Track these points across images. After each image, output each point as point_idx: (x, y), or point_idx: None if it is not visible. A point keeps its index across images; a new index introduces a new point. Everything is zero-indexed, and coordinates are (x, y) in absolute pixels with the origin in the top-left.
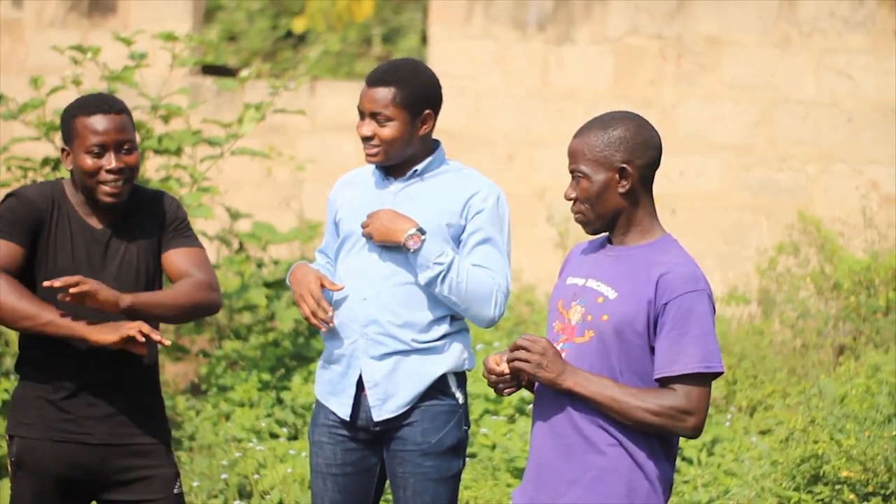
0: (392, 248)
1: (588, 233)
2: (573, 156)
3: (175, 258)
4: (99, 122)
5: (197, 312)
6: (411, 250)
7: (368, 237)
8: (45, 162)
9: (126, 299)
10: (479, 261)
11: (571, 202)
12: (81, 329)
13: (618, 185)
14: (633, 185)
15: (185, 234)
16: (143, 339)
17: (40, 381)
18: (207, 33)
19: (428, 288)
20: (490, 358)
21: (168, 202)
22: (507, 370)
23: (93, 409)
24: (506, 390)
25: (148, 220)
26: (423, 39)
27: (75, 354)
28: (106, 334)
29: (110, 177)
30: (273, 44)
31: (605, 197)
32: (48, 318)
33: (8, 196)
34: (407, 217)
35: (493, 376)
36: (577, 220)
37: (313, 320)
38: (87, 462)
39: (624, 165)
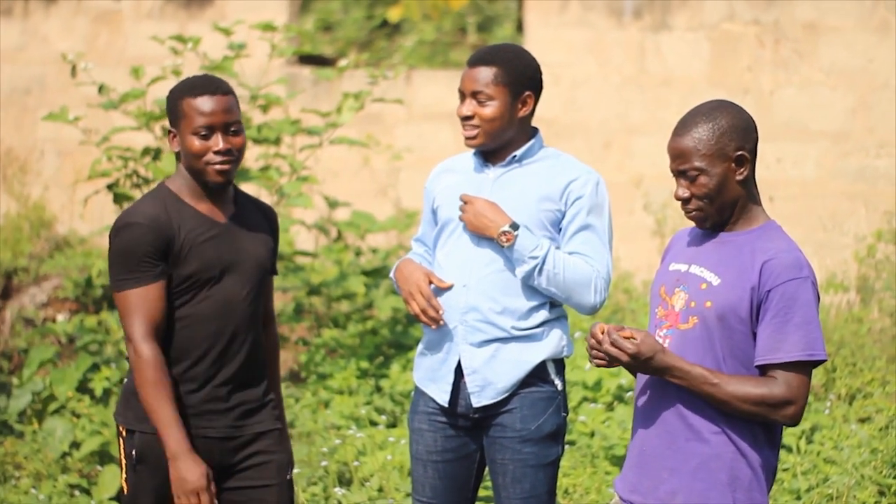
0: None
1: (705, 228)
2: (684, 155)
3: (271, 286)
4: (206, 103)
5: None
6: (504, 247)
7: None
8: (146, 152)
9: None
10: (579, 248)
11: (683, 202)
12: (170, 452)
13: (735, 173)
14: (750, 170)
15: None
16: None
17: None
18: (303, 23)
19: (526, 281)
20: (596, 326)
21: (276, 217)
22: (607, 348)
23: (213, 404)
24: (597, 362)
25: (263, 221)
26: (519, 28)
27: (207, 353)
28: (176, 482)
29: (218, 158)
30: (368, 33)
31: (725, 188)
32: (159, 421)
33: (125, 228)
34: (500, 211)
35: (594, 341)
36: (694, 218)
37: (423, 318)
38: (207, 456)
39: (740, 153)
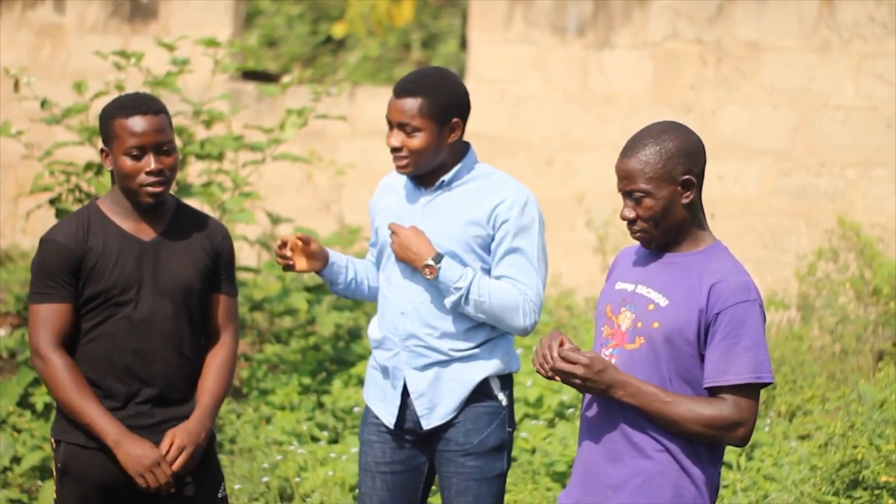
0: None
1: (651, 248)
2: (631, 176)
3: (222, 306)
4: (137, 123)
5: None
6: (429, 279)
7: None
8: (88, 167)
9: (204, 424)
10: (507, 272)
11: (630, 222)
12: (110, 440)
13: (681, 196)
14: (696, 193)
15: (233, 280)
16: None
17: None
18: (247, 38)
19: (455, 310)
20: (555, 337)
21: (226, 235)
22: (554, 360)
23: (138, 419)
24: (542, 373)
25: (200, 239)
26: (463, 44)
27: (126, 371)
28: (131, 463)
29: (150, 178)
30: (312, 49)
31: (671, 211)
32: (88, 418)
33: (42, 244)
34: (425, 243)
35: (545, 353)
36: (639, 238)
37: (279, 260)
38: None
39: (687, 177)
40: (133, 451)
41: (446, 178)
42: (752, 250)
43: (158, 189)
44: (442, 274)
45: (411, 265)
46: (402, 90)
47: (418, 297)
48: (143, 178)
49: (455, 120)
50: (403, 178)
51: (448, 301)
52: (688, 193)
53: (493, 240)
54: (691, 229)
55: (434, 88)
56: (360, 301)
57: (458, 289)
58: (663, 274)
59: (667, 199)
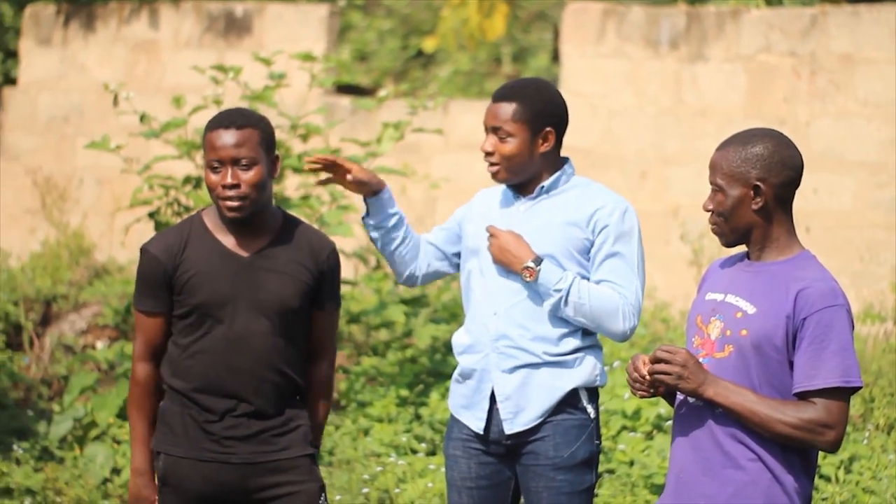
0: None
1: (722, 244)
2: (712, 168)
3: (322, 321)
4: (218, 137)
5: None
6: (528, 282)
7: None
8: (187, 180)
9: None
10: (606, 276)
11: (709, 213)
12: (132, 466)
13: (752, 201)
14: (767, 202)
15: (336, 295)
16: None
17: (186, 401)
18: (339, 53)
19: (554, 312)
20: (638, 358)
21: (331, 252)
22: (647, 375)
23: (236, 430)
24: (639, 393)
25: (303, 256)
26: (554, 58)
27: (221, 387)
28: (130, 496)
29: (228, 192)
30: (403, 63)
31: (738, 212)
32: (131, 435)
33: (142, 254)
34: (524, 246)
35: (636, 374)
36: (713, 232)
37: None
38: (230, 481)
39: (758, 183)
40: (141, 488)
41: (546, 184)
42: (848, 263)
43: (235, 203)
44: (542, 276)
45: (509, 268)
46: (499, 96)
47: (513, 297)
48: (220, 191)
49: (548, 129)
50: (503, 191)
51: (547, 304)
52: (758, 199)
53: (592, 245)
54: (773, 235)
55: (529, 95)
56: (420, 283)
57: (558, 290)
58: (751, 283)
59: (736, 200)
